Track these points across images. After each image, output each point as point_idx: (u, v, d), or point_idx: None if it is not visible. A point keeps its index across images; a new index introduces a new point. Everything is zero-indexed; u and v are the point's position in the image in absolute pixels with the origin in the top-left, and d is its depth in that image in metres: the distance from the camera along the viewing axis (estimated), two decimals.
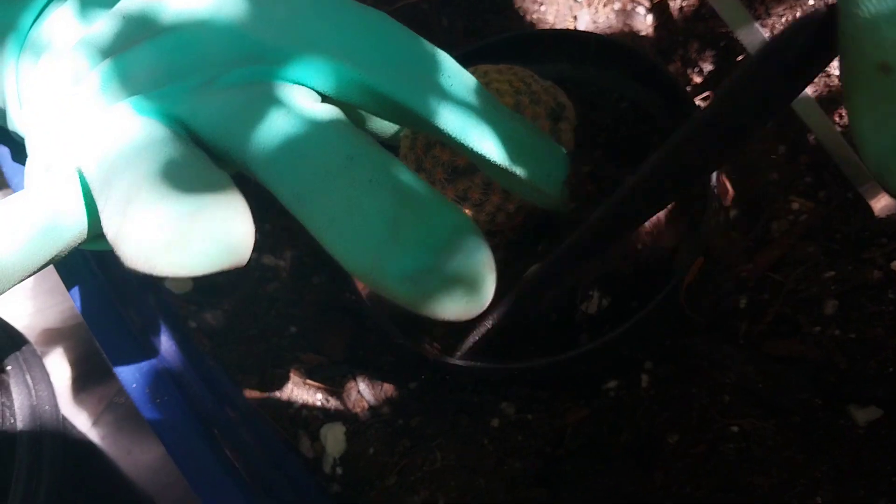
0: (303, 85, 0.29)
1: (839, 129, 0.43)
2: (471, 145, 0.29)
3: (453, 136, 0.29)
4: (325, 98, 0.30)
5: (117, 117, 0.29)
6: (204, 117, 0.29)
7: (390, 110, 0.30)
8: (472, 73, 0.39)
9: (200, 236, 0.23)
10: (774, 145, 0.45)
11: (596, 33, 0.47)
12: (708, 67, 0.50)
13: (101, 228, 0.30)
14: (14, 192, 0.44)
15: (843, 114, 0.43)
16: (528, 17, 0.54)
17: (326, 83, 0.29)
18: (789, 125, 0.45)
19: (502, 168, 0.30)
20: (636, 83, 0.46)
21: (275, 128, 0.27)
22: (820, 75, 0.44)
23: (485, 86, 0.38)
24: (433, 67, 0.29)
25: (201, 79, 0.29)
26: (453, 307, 0.24)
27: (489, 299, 0.24)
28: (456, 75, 0.30)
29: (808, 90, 0.44)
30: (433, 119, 0.29)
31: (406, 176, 0.26)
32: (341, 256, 0.25)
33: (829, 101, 0.44)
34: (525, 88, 0.38)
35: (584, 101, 0.47)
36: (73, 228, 0.30)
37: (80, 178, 0.30)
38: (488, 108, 0.30)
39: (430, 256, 0.23)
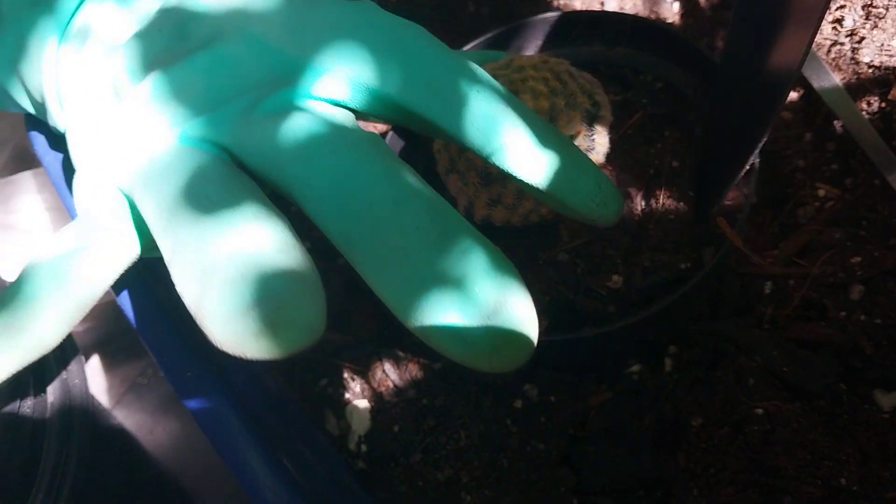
0: (337, 104, 0.30)
1: (867, 116, 0.43)
2: (499, 164, 0.30)
3: (481, 153, 0.30)
4: (358, 115, 0.31)
5: (167, 148, 0.30)
6: (249, 150, 0.30)
7: (420, 125, 0.31)
8: (508, 67, 0.39)
9: (287, 324, 0.24)
10: (801, 132, 0.45)
11: (630, 14, 0.47)
12: None
13: (153, 248, 0.32)
14: (50, 176, 0.45)
15: (871, 101, 0.43)
16: (556, 4, 0.55)
17: (359, 100, 0.30)
18: (816, 112, 0.45)
19: (530, 184, 0.30)
20: (671, 64, 0.46)
21: (319, 167, 0.28)
22: (848, 62, 0.44)
23: (521, 83, 0.38)
24: (464, 83, 0.30)
25: (242, 104, 0.30)
26: (500, 362, 0.24)
27: (533, 348, 0.24)
28: (486, 90, 0.30)
29: (836, 77, 0.44)
30: (462, 137, 0.29)
31: (452, 219, 0.26)
32: (391, 306, 0.25)
33: (856, 88, 0.44)
34: (561, 88, 0.38)
35: (619, 82, 0.47)
36: (128, 254, 0.31)
37: (129, 205, 0.31)
38: (517, 125, 0.30)
39: (478, 313, 0.24)
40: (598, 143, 0.39)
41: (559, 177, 0.31)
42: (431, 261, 0.25)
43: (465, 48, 0.48)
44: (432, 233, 0.25)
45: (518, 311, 0.24)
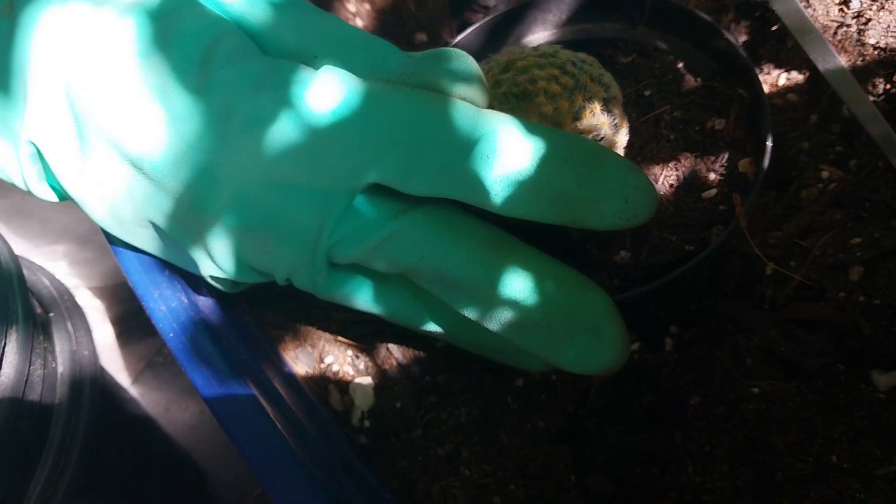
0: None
1: (872, 98, 0.43)
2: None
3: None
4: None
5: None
6: (420, 280, 0.35)
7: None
8: (509, 69, 0.39)
9: None
10: (807, 114, 0.45)
11: None
12: (742, 38, 0.50)
13: None
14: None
15: (877, 83, 0.43)
16: None
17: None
18: (822, 94, 0.45)
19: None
20: (692, 46, 0.46)
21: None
22: (854, 44, 0.44)
23: (530, 85, 0.37)
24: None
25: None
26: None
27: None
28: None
29: (842, 59, 0.44)
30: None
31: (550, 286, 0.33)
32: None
33: (862, 70, 0.43)
34: (574, 84, 0.38)
35: (639, 61, 0.47)
36: None
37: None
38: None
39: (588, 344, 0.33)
40: (620, 128, 0.39)
41: (577, 209, 0.32)
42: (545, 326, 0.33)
43: (483, 22, 0.48)
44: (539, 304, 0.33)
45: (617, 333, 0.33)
